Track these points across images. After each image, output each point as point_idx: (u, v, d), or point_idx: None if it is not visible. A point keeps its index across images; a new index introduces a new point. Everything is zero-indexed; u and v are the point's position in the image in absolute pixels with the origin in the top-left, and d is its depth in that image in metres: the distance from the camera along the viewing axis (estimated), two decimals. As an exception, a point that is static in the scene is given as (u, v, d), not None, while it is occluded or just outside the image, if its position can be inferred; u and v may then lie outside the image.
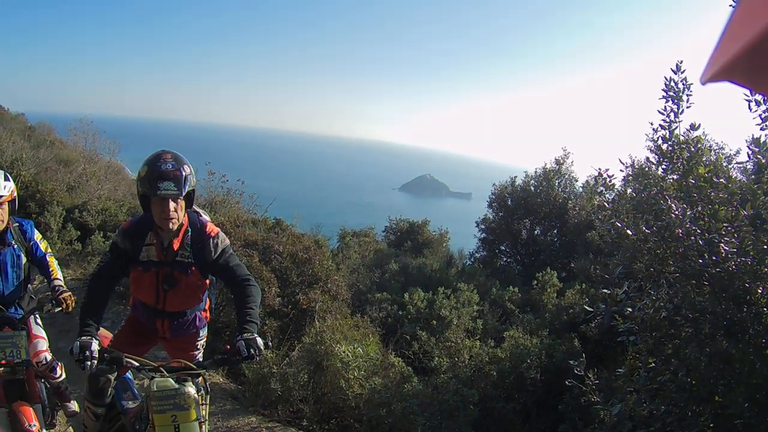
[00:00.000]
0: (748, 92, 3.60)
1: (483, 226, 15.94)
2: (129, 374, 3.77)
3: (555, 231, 14.72)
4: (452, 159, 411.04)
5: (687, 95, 4.23)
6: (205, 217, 3.55)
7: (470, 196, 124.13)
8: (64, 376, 4.56)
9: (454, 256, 16.67)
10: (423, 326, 8.60)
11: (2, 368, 3.92)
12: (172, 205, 3.11)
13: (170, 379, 2.98)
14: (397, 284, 11.90)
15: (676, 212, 3.89)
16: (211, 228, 3.44)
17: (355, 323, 7.33)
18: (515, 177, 15.62)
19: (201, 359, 3.60)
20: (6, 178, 4.08)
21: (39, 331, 4.44)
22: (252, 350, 2.94)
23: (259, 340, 3.00)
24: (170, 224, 3.18)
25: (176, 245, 3.32)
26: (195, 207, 3.46)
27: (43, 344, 4.40)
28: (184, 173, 3.11)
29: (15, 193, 4.18)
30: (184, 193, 3.14)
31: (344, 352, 5.79)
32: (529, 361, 6.10)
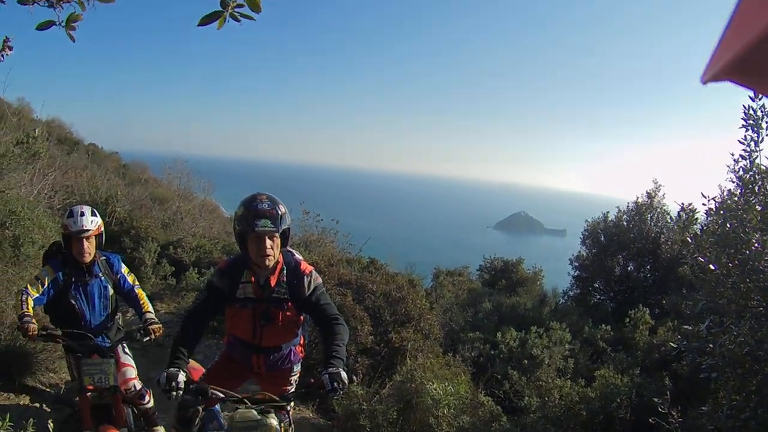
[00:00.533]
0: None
1: (576, 264, 15.34)
2: (217, 406, 3.84)
3: (648, 267, 13.95)
4: (547, 194, 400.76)
5: (767, 122, 4.09)
6: (298, 256, 3.64)
7: (565, 233, 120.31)
8: (152, 403, 4.66)
9: (547, 294, 16.17)
10: (515, 366, 8.44)
11: (90, 393, 4.08)
12: (268, 242, 3.23)
13: (253, 411, 3.02)
14: (491, 323, 11.67)
15: (757, 245, 3.74)
16: (305, 266, 3.54)
17: (446, 362, 7.25)
18: (607, 212, 15.10)
19: None
20: (93, 213, 4.34)
21: (127, 359, 4.59)
22: (336, 384, 2.97)
23: (344, 374, 3.01)
24: (267, 261, 3.28)
25: (273, 282, 3.43)
26: (288, 247, 3.57)
27: (131, 372, 4.55)
28: (279, 212, 3.23)
29: (102, 228, 4.43)
30: (280, 230, 3.26)
31: (435, 389, 5.77)
32: (619, 400, 5.89)
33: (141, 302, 4.52)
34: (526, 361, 8.65)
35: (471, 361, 8.79)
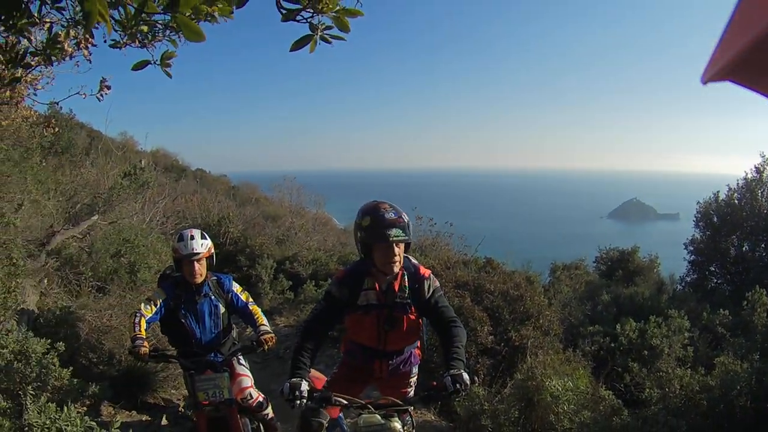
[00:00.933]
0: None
1: (691, 248, 14.35)
2: (341, 413, 3.78)
3: (762, 245, 12.85)
4: (656, 178, 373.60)
5: None
6: (415, 261, 3.58)
7: (678, 217, 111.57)
8: (272, 413, 4.64)
9: (665, 281, 15.25)
10: (635, 357, 8.09)
11: (206, 407, 4.08)
12: (397, 250, 3.17)
13: (377, 415, 2.96)
14: (609, 315, 11.18)
15: None
16: (424, 270, 3.48)
17: (566, 358, 7.04)
18: (718, 192, 14.05)
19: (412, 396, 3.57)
20: (203, 236, 4.31)
21: (242, 369, 4.53)
22: (458, 385, 2.89)
23: (465, 376, 2.93)
24: (395, 268, 3.24)
25: (396, 287, 3.37)
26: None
27: (247, 381, 4.48)
28: (406, 220, 3.18)
29: (212, 250, 4.38)
30: (410, 238, 3.23)
31: (554, 386, 5.63)
32: (738, 387, 5.53)
33: (255, 317, 4.46)
34: (646, 352, 8.28)
35: (591, 355, 8.50)
